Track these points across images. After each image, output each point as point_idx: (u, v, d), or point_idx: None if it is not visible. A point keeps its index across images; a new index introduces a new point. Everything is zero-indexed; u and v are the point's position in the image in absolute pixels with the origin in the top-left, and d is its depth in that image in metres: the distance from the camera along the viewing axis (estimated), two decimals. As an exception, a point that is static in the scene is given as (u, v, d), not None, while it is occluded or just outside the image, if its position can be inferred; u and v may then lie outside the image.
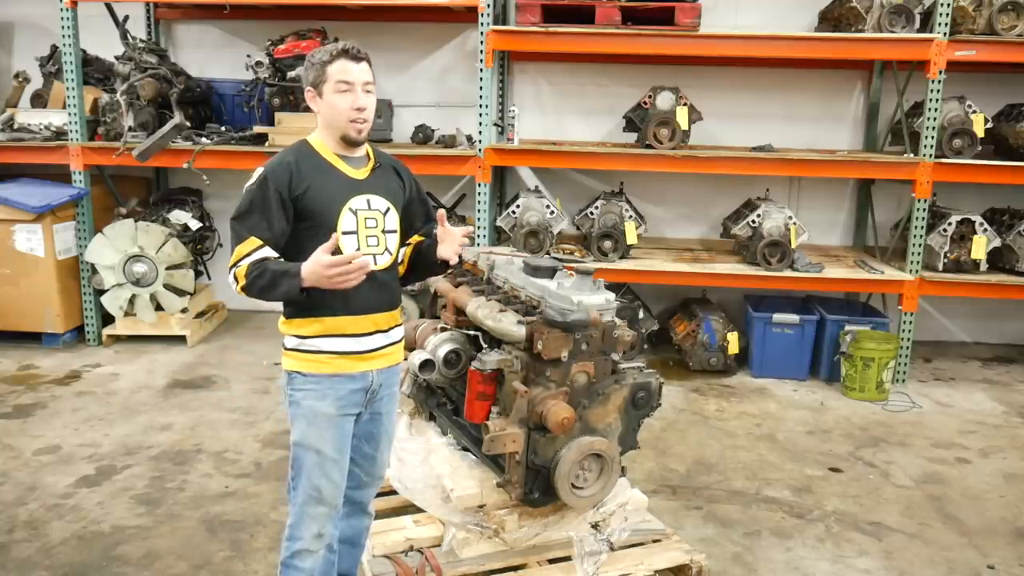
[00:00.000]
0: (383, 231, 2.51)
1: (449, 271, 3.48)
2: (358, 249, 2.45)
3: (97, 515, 3.65)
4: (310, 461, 2.47)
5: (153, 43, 6.60)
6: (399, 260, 2.69)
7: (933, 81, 5.37)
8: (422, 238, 2.73)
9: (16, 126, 6.09)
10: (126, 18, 6.26)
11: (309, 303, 2.40)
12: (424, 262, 2.70)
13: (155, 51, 6.29)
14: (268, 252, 2.36)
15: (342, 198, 2.45)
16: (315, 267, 2.24)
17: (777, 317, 5.64)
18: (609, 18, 5.46)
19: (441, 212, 2.63)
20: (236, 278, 2.35)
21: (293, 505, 2.52)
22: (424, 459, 3.27)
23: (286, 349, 2.51)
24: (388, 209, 2.53)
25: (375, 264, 2.48)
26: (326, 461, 2.48)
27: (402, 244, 2.65)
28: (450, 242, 2.60)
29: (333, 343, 2.46)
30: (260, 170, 2.42)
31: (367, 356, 2.51)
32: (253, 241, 2.35)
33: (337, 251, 2.32)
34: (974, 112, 5.58)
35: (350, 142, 2.47)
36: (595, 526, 3.06)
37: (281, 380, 2.56)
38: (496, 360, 2.86)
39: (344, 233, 2.43)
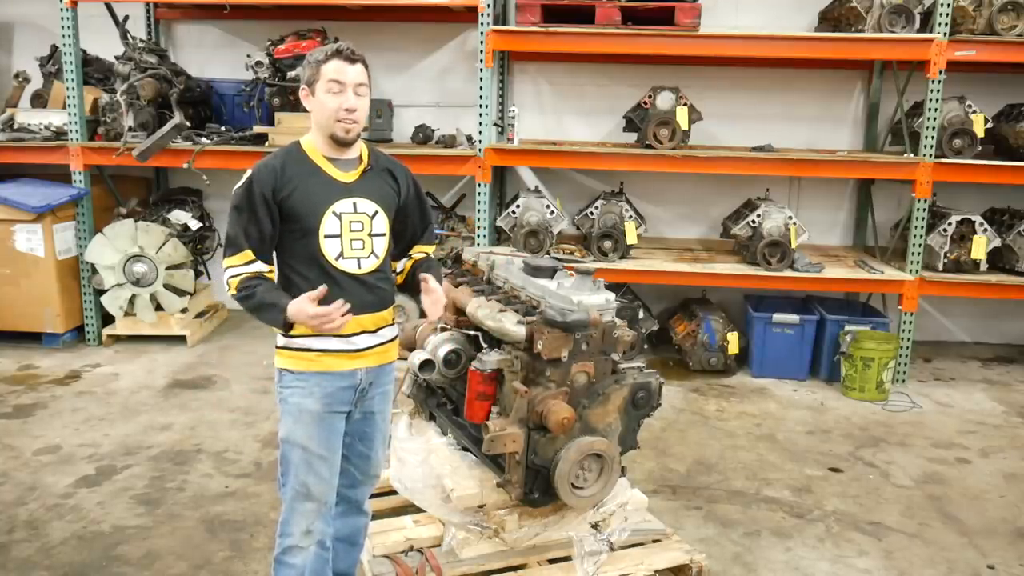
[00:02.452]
0: (369, 234, 2.51)
1: (449, 272, 3.49)
2: (341, 254, 2.46)
3: (97, 515, 3.65)
4: (296, 457, 2.49)
5: (153, 43, 6.60)
6: (398, 270, 2.72)
7: (933, 81, 5.37)
8: (423, 254, 2.74)
9: (16, 126, 6.09)
10: (126, 18, 6.26)
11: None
12: (416, 287, 2.73)
13: (155, 51, 6.29)
14: (260, 267, 2.43)
15: (326, 201, 2.45)
16: (300, 314, 2.35)
17: (777, 317, 5.64)
18: (609, 18, 5.46)
19: (424, 276, 2.62)
20: (228, 285, 2.45)
21: (283, 501, 2.54)
22: (424, 459, 3.27)
23: (277, 347, 2.54)
24: (376, 212, 2.52)
25: (360, 268, 2.50)
26: (312, 458, 2.49)
27: (398, 246, 2.67)
28: (434, 300, 2.60)
29: (320, 341, 2.47)
30: (248, 172, 2.46)
31: (355, 355, 2.52)
32: (247, 254, 2.42)
33: (324, 277, 2.43)
34: (974, 112, 5.58)
35: (338, 142, 2.47)
36: (595, 526, 3.06)
37: (276, 378, 2.58)
38: (496, 360, 2.86)
39: (327, 237, 2.45)
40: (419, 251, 2.75)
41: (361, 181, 2.53)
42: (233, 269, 2.42)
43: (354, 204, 2.49)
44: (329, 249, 2.45)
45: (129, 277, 5.86)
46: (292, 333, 2.47)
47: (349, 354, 2.51)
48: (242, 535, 3.51)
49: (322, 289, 2.35)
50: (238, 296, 2.43)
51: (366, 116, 2.52)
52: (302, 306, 2.34)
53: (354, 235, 2.48)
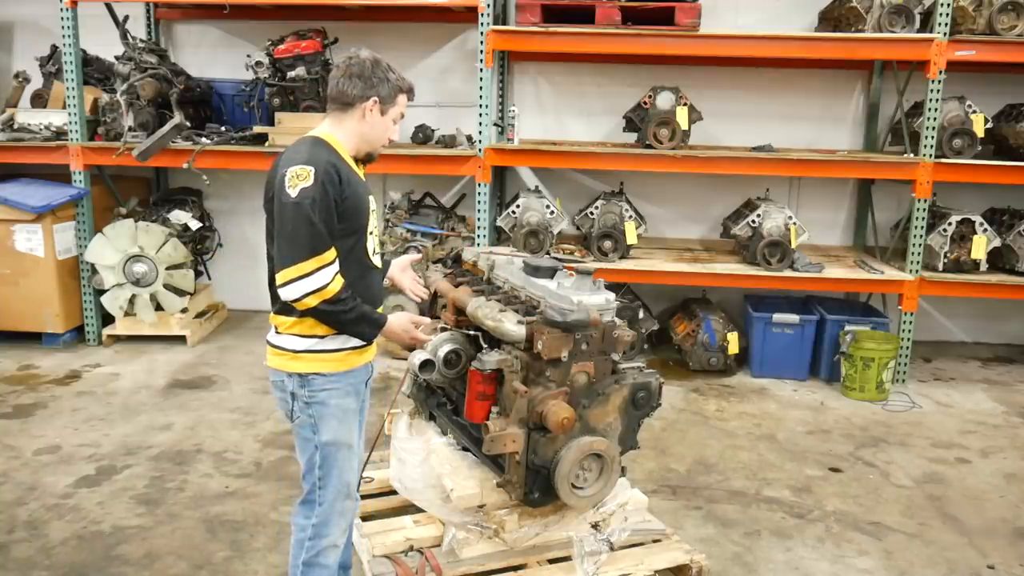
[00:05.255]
0: (379, 230, 2.63)
1: (449, 272, 3.49)
2: (374, 250, 2.61)
3: (97, 515, 3.65)
4: (343, 458, 2.55)
5: (153, 43, 6.60)
6: None
7: (933, 81, 5.37)
8: None
9: (16, 126, 6.09)
10: (126, 18, 6.25)
11: None
12: None
13: (155, 51, 6.29)
14: (338, 266, 2.42)
15: (368, 200, 2.56)
16: (403, 333, 2.61)
17: (777, 317, 5.64)
18: (609, 18, 5.46)
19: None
20: (320, 291, 2.34)
21: (319, 504, 2.54)
22: (424, 459, 3.27)
23: (295, 351, 2.48)
24: (375, 209, 2.66)
25: (379, 262, 2.68)
26: (353, 455, 2.59)
27: None
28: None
29: (347, 340, 2.52)
30: (311, 168, 2.34)
31: (367, 349, 2.62)
32: (333, 251, 2.39)
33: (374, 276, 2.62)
34: (974, 112, 5.58)
35: (367, 160, 2.61)
36: (595, 526, 3.06)
37: (287, 384, 2.51)
38: (496, 360, 2.85)
39: (370, 233, 2.58)
40: None
41: (367, 181, 2.64)
42: (322, 273, 2.33)
43: (373, 201, 2.63)
44: (370, 245, 2.57)
45: (129, 277, 5.86)
46: (321, 333, 2.47)
47: (367, 349, 2.60)
48: (242, 535, 3.51)
49: (428, 320, 2.70)
50: (332, 307, 2.36)
51: None
52: (409, 327, 2.56)
53: (376, 231, 2.65)
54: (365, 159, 2.60)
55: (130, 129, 5.85)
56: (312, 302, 2.35)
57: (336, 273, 2.39)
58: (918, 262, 5.61)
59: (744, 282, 5.74)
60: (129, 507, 3.73)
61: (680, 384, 5.57)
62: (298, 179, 2.33)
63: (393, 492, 3.33)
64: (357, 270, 2.50)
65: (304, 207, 2.31)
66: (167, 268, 5.91)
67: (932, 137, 5.44)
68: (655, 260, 5.86)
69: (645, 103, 5.82)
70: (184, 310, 6.09)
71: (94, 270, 5.93)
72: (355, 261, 2.50)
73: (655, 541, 3.12)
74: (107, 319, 6.14)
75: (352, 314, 2.41)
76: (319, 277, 2.34)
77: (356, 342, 2.53)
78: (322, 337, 2.48)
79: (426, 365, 3.09)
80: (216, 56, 6.77)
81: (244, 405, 4.97)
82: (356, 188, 2.47)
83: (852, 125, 6.62)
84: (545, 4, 5.52)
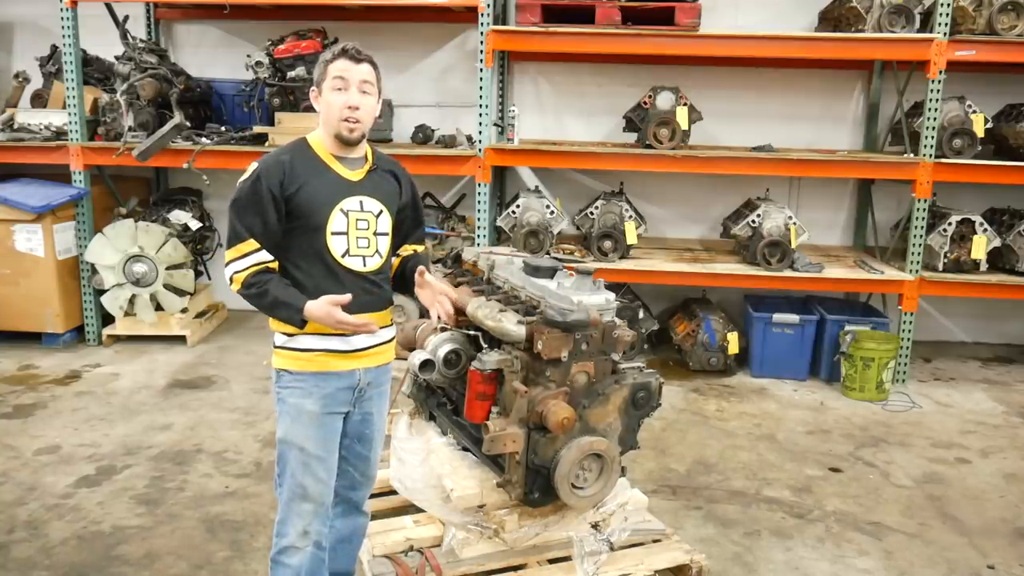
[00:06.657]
0: (374, 233, 2.54)
1: (449, 272, 3.49)
2: (347, 252, 2.48)
3: (97, 515, 3.65)
4: (294, 458, 2.49)
5: (153, 43, 6.60)
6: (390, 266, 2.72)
7: (933, 81, 5.37)
8: (411, 250, 2.77)
9: (16, 126, 6.09)
10: (126, 18, 6.26)
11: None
12: (407, 283, 2.73)
13: (155, 51, 6.29)
14: (264, 256, 2.42)
15: (334, 199, 2.47)
16: (327, 318, 2.36)
17: (777, 317, 5.64)
18: (609, 18, 5.46)
19: (419, 269, 2.62)
20: (232, 280, 2.44)
21: (280, 502, 2.54)
22: (424, 459, 3.27)
23: (275, 347, 2.53)
24: (381, 212, 2.56)
25: (364, 266, 2.53)
26: (310, 459, 2.49)
27: (394, 247, 2.67)
28: (433, 294, 2.61)
29: (320, 341, 2.48)
30: (255, 165, 2.46)
31: (354, 355, 2.53)
32: (251, 243, 2.41)
33: (333, 264, 2.47)
34: (974, 112, 5.58)
35: (343, 141, 2.50)
36: (595, 526, 3.06)
37: (273, 376, 2.57)
38: (496, 360, 2.86)
39: (334, 234, 2.47)
40: (407, 249, 2.76)
41: (367, 180, 2.56)
42: (237, 263, 2.41)
43: (360, 202, 2.52)
44: (335, 246, 2.47)
45: (129, 277, 5.86)
46: (292, 332, 2.46)
47: (348, 354, 2.51)
48: (242, 535, 3.51)
49: (347, 297, 2.37)
50: (246, 292, 2.42)
51: (372, 116, 2.53)
52: (330, 311, 2.35)
53: (360, 233, 2.51)
54: (345, 143, 2.49)
55: (130, 129, 5.85)
56: (233, 288, 2.44)
57: (255, 264, 2.40)
58: (918, 262, 5.61)
59: (744, 282, 5.74)
60: (129, 507, 3.73)
61: (680, 384, 5.58)
62: (243, 175, 2.45)
63: (393, 492, 3.32)
64: (321, 271, 2.46)
65: (232, 202, 2.43)
66: (167, 268, 5.91)
67: (932, 137, 5.44)
68: (655, 260, 5.86)
69: (645, 103, 5.82)
70: (184, 310, 6.09)
71: (94, 270, 5.93)
72: (316, 260, 2.46)
73: (655, 541, 3.12)
74: (107, 319, 6.14)
75: (267, 299, 2.40)
76: (236, 265, 2.42)
77: (330, 344, 2.47)
78: (290, 335, 2.48)
79: (426, 365, 3.09)
80: (216, 56, 6.77)
81: (244, 405, 4.97)
82: (315, 185, 2.45)
83: (852, 125, 6.62)
84: (545, 4, 5.52)
